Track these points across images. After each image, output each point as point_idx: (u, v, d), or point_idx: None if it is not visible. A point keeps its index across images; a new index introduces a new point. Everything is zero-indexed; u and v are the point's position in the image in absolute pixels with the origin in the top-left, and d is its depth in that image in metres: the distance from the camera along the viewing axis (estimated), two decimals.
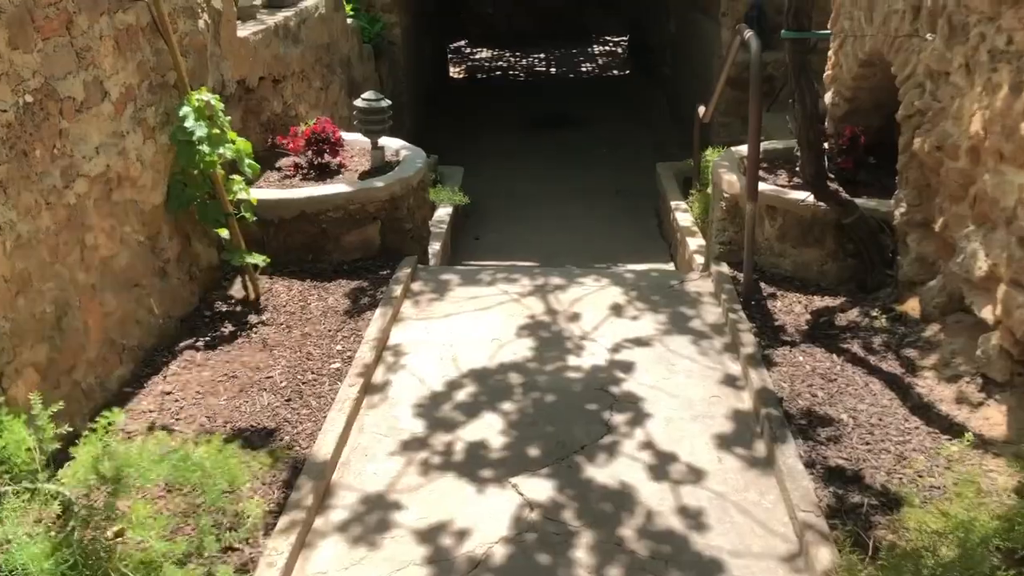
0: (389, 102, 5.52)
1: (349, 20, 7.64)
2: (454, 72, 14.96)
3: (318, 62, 6.65)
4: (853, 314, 4.51)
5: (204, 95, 4.35)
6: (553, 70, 15.30)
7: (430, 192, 7.60)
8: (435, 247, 6.78)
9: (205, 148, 4.34)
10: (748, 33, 4.56)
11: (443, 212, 7.61)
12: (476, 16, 16.60)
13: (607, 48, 16.61)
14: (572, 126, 11.80)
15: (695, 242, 6.79)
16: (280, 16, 6.03)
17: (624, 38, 16.07)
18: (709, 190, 7.01)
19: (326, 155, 5.54)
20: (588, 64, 15.66)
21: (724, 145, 7.39)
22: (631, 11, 15.19)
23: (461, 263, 7.61)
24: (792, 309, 4.65)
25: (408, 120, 9.43)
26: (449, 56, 15.09)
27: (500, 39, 16.36)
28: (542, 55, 15.99)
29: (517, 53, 16.09)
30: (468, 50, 16.51)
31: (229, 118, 4.55)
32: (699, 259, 6.43)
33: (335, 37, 7.06)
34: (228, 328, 4.45)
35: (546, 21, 16.28)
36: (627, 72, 14.80)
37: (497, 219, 8.58)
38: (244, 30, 5.48)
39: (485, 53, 16.31)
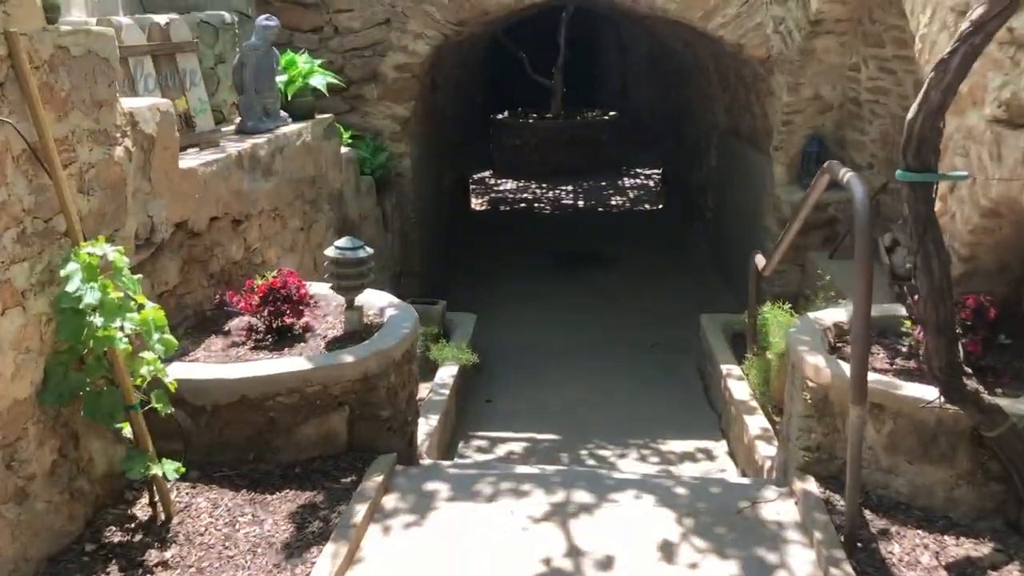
0: (370, 251, 4.34)
1: (344, 149, 6.61)
2: (476, 204, 14.05)
3: (298, 198, 5.55)
4: (1013, 572, 3.11)
5: (98, 247, 3.18)
6: (581, 203, 14.35)
7: (432, 350, 6.41)
8: (432, 422, 5.49)
9: (97, 319, 3.15)
10: (846, 173, 3.35)
11: (446, 373, 6.34)
12: (502, 147, 15.88)
13: (638, 181, 15.71)
14: (601, 265, 10.64)
15: (756, 422, 5.43)
16: (248, 144, 4.96)
17: (657, 171, 15.16)
18: (769, 355, 5.75)
19: (287, 316, 4.35)
20: (619, 197, 14.71)
21: (779, 298, 6.16)
22: (665, 142, 14.33)
23: (468, 433, 6.32)
24: (918, 558, 3.25)
25: (417, 259, 8.32)
26: (472, 187, 14.23)
27: (526, 170, 15.57)
28: (570, 187, 15.12)
29: (543, 185, 15.24)
30: (492, 181, 15.69)
31: (138, 277, 3.36)
32: (763, 448, 5.05)
33: (323, 169, 5.99)
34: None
35: (574, 154, 15.51)
36: (660, 207, 13.78)
37: (513, 377, 7.28)
38: (193, 160, 4.39)
39: (510, 184, 15.47)
